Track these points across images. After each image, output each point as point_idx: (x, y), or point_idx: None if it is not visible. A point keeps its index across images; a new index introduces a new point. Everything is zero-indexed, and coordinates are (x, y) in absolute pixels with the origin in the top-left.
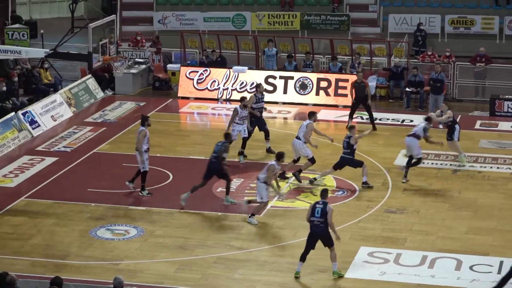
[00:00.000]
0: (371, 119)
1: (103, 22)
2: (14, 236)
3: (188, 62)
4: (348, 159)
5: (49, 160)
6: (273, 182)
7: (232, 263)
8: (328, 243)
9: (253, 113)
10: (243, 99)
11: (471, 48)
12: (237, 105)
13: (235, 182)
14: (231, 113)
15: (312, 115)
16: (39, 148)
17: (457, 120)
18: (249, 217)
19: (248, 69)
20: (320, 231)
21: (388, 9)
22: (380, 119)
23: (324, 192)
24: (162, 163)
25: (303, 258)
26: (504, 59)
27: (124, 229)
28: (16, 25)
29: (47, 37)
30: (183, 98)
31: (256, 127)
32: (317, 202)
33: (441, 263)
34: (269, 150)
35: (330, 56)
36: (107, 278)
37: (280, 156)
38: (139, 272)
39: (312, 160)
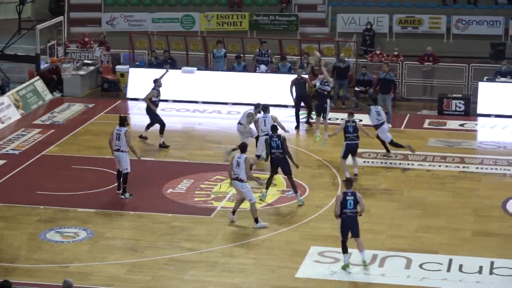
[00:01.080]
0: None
1: (51, 23)
2: None
3: (137, 63)
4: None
5: None
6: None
7: (183, 264)
8: (358, 233)
9: None
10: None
11: (419, 48)
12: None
13: (185, 183)
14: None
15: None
16: None
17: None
18: (256, 224)
19: (197, 70)
20: (353, 222)
21: (336, 9)
22: (329, 119)
23: (349, 182)
24: (112, 165)
25: (345, 250)
26: (452, 58)
27: (73, 231)
28: None
29: None
30: (132, 99)
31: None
32: (345, 194)
33: (391, 262)
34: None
35: (279, 57)
36: (56, 281)
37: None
38: (89, 275)
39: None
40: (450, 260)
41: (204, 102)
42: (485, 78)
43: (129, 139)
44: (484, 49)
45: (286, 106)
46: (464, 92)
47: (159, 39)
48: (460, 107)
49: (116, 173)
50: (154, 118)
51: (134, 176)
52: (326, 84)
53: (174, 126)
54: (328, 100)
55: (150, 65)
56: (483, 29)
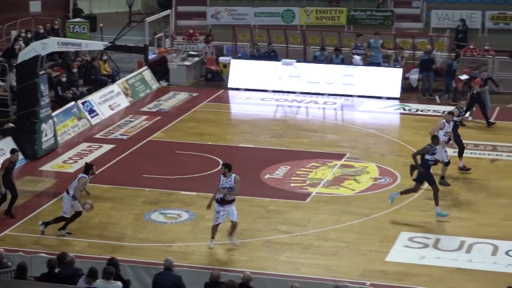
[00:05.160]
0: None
1: (159, 16)
2: None
3: (239, 55)
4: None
5: (106, 147)
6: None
7: (278, 246)
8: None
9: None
10: (450, 112)
11: (510, 43)
12: None
13: (282, 169)
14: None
15: None
16: (97, 136)
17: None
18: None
19: (296, 62)
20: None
21: (431, 5)
22: (421, 110)
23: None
24: (213, 151)
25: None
26: None
27: (176, 213)
28: (77, 19)
29: (106, 30)
30: (233, 89)
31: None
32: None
33: (479, 248)
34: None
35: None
36: (159, 259)
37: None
38: (190, 254)
39: None
40: None
41: (301, 93)
42: None
43: (80, 186)
44: None
45: (380, 97)
46: None
47: (260, 32)
48: None
49: None
50: (456, 139)
51: (234, 163)
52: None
53: (273, 115)
54: None
55: (252, 56)
56: None
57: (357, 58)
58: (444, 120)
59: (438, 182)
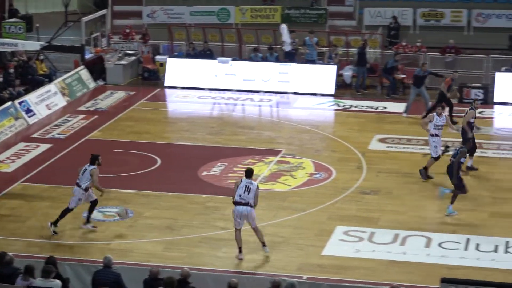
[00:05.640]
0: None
1: (95, 16)
2: (11, 219)
3: (176, 53)
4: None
5: (44, 147)
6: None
7: (216, 242)
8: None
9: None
10: (442, 106)
11: (441, 40)
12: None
13: (219, 166)
14: (217, 100)
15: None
16: (35, 135)
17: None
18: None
19: (231, 60)
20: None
21: (363, 3)
22: (355, 106)
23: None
24: (151, 149)
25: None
26: (472, 49)
27: (115, 211)
28: (13, 19)
29: (42, 30)
30: (170, 87)
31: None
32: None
33: (412, 241)
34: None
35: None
36: (98, 257)
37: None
38: (129, 252)
39: None
40: (468, 240)
41: (237, 91)
42: (503, 68)
43: (96, 178)
44: (503, 41)
45: (314, 94)
46: (483, 82)
47: (196, 31)
48: (479, 96)
49: None
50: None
51: (172, 160)
52: None
53: (210, 113)
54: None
55: (188, 55)
56: (501, 22)
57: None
58: (435, 113)
59: (418, 170)
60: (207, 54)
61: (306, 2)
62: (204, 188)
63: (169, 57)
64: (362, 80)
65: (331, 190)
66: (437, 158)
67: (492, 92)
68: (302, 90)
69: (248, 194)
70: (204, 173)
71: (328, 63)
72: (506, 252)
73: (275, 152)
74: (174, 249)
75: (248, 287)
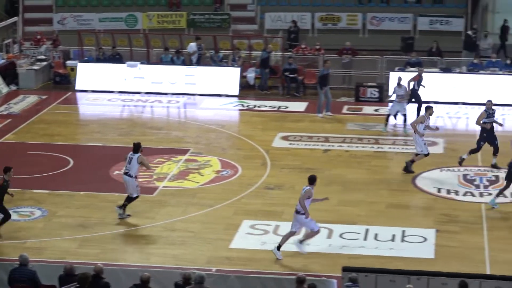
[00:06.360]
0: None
1: (7, 23)
2: None
3: (86, 58)
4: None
5: None
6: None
7: (128, 238)
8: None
9: (483, 127)
10: (429, 107)
11: (338, 42)
12: None
13: None
14: (127, 102)
15: None
16: None
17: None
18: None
19: (140, 64)
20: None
21: (264, 8)
22: (258, 106)
23: None
24: (63, 150)
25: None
26: (367, 51)
27: (29, 210)
28: None
29: None
30: (81, 91)
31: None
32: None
33: None
34: (494, 166)
35: (213, 51)
36: (14, 256)
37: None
38: (44, 250)
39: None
40: (367, 230)
41: (146, 93)
42: (396, 68)
43: (145, 163)
44: (396, 43)
45: (220, 95)
46: (378, 81)
47: (105, 37)
48: (374, 94)
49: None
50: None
51: (84, 161)
52: None
53: (120, 114)
54: None
55: (98, 60)
56: (394, 25)
57: (192, 45)
58: (425, 114)
59: (403, 170)
60: (116, 58)
61: (210, 8)
62: (115, 187)
63: (80, 62)
64: (264, 81)
65: (237, 186)
66: (427, 154)
67: (387, 90)
68: (208, 92)
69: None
70: (116, 172)
71: (232, 66)
72: (403, 241)
73: (183, 151)
74: (88, 246)
75: (160, 281)
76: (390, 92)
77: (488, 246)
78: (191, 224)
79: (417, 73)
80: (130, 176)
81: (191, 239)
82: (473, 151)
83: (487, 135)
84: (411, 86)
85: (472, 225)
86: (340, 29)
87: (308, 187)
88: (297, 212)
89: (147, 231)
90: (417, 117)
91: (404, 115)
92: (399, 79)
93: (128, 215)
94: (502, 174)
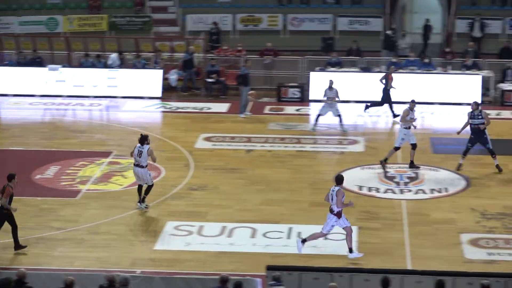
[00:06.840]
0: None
1: None
2: None
3: (6, 62)
4: None
5: None
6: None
7: (52, 242)
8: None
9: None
10: (411, 102)
11: (260, 43)
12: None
13: (52, 169)
14: (48, 106)
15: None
16: None
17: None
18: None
19: (61, 67)
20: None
21: (186, 10)
22: (181, 108)
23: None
24: None
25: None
26: (288, 51)
27: None
28: None
29: None
30: (2, 95)
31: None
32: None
33: (239, 232)
34: (497, 167)
35: (136, 53)
36: None
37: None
38: None
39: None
40: (290, 228)
41: (68, 96)
42: (317, 68)
43: (154, 154)
44: (316, 43)
45: (142, 97)
46: (299, 81)
47: (25, 40)
48: (296, 94)
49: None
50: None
51: (4, 165)
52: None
53: (41, 118)
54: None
55: (19, 63)
56: (314, 26)
57: (113, 57)
58: (408, 107)
59: (409, 167)
60: (37, 62)
61: (131, 10)
62: (38, 191)
63: (0, 65)
64: (191, 82)
65: (160, 188)
66: (397, 148)
67: (308, 90)
68: (130, 94)
69: (332, 201)
70: (38, 176)
71: (154, 68)
72: (326, 238)
73: (106, 154)
74: (11, 251)
75: (84, 284)
76: (311, 92)
77: (409, 242)
78: (115, 226)
79: (388, 72)
80: (142, 167)
81: (115, 241)
82: (465, 153)
83: (475, 136)
84: (384, 85)
85: (393, 221)
86: (261, 30)
87: (337, 187)
88: (332, 212)
89: (70, 234)
90: (401, 114)
91: (339, 116)
92: (331, 82)
93: (147, 206)
94: (422, 171)
